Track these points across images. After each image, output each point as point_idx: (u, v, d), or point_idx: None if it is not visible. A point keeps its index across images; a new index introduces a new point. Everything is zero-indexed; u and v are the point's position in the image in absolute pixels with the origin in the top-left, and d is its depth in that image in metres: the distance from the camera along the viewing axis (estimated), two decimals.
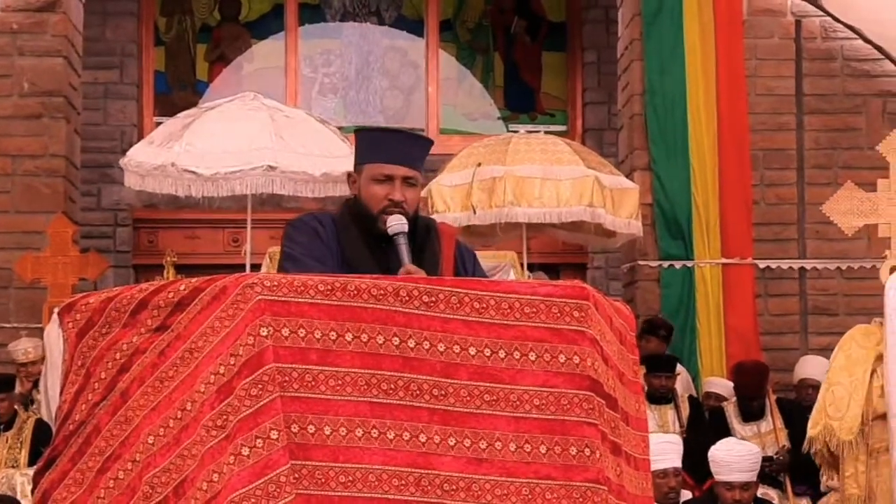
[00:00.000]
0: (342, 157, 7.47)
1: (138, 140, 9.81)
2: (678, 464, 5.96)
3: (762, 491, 6.21)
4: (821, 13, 8.79)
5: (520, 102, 11.59)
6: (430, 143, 3.48)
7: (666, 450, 5.79)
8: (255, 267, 7.90)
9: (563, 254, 9.56)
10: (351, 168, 3.50)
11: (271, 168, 7.19)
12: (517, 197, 7.13)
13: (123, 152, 8.06)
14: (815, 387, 7.45)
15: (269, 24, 11.46)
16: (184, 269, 8.49)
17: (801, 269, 8.62)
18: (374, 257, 3.30)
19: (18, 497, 6.42)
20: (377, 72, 11.55)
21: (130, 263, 10.93)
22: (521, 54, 11.62)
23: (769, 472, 6.76)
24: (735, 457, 5.71)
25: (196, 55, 11.40)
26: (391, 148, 3.33)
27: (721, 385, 7.90)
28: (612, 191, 7.44)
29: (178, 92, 11.29)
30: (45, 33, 8.61)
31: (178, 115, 7.84)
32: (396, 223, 3.27)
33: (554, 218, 7.32)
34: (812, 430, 5.47)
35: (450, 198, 7.22)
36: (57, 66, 8.63)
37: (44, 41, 8.60)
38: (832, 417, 5.39)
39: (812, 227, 8.62)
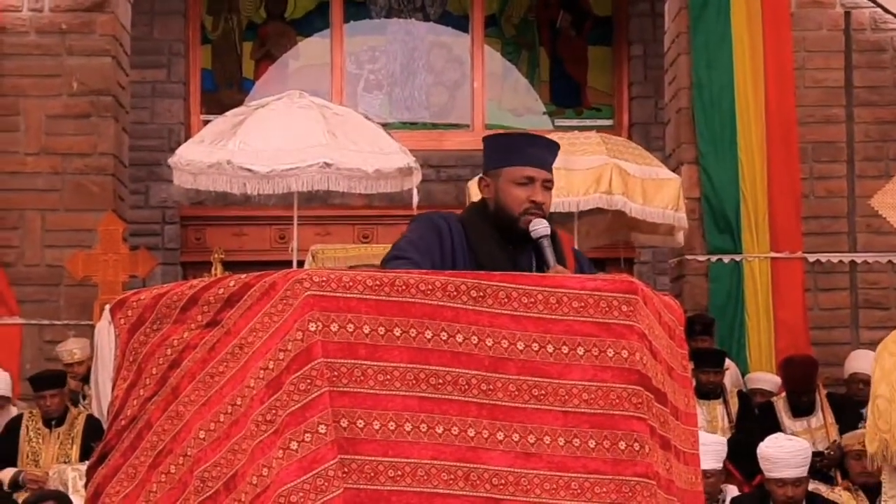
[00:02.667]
0: (392, 153, 7.50)
1: (186, 138, 9.90)
2: (718, 465, 5.90)
3: (813, 486, 6.15)
4: (870, 4, 8.70)
5: (566, 97, 11.55)
6: (559, 147, 3.56)
7: (705, 451, 5.73)
8: (302, 264, 7.95)
9: (610, 248, 9.51)
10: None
11: (326, 165, 7.22)
12: None
13: (171, 150, 8.12)
14: (866, 381, 7.38)
15: (314, 22, 11.50)
16: (231, 266, 8.54)
17: (852, 262, 8.54)
18: (507, 259, 3.34)
19: (70, 492, 6.49)
20: (422, 68, 11.56)
21: (178, 261, 11.01)
22: (566, 49, 11.58)
23: (820, 468, 6.71)
24: (785, 453, 5.65)
25: (242, 53, 11.47)
26: (531, 152, 3.42)
27: (766, 380, 7.84)
28: (644, 181, 7.39)
29: (225, 90, 11.36)
30: (93, 33, 8.69)
31: (227, 113, 7.88)
32: (541, 227, 3.34)
33: (572, 207, 7.30)
34: (870, 446, 5.40)
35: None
36: (105, 65, 8.71)
37: (92, 41, 8.68)
38: (883, 430, 5.32)
39: (863, 220, 8.54)
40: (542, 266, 3.33)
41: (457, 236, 3.35)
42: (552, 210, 3.53)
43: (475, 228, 3.39)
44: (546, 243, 3.33)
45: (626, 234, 8.33)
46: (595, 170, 7.24)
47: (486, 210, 3.44)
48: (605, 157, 7.31)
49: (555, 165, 3.51)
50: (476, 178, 7.37)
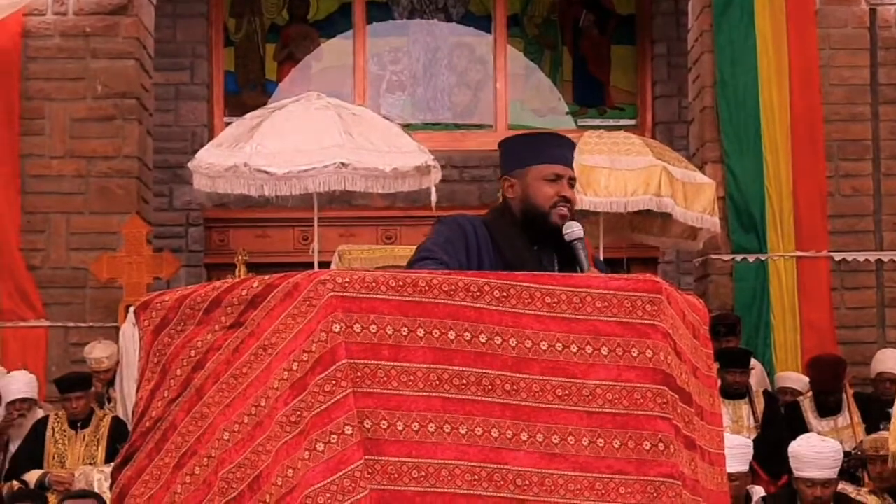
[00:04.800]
0: (410, 152, 7.50)
1: (209, 140, 9.92)
2: (744, 468, 5.86)
3: (840, 487, 6.11)
4: None
5: (589, 97, 11.52)
6: (575, 146, 3.62)
7: (731, 454, 5.70)
8: (324, 265, 7.95)
9: (633, 248, 9.48)
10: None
11: (343, 165, 7.23)
12: (584, 186, 7.09)
13: (194, 153, 8.14)
14: (893, 380, 7.36)
15: (336, 23, 11.52)
16: (255, 268, 8.56)
17: (878, 261, 8.49)
18: (533, 258, 3.36)
19: None
20: (445, 68, 11.56)
21: (202, 262, 11.05)
22: (589, 48, 11.56)
23: (847, 468, 6.66)
24: (817, 453, 5.61)
25: (265, 55, 11.49)
26: (556, 151, 3.47)
27: (795, 380, 7.81)
28: (685, 184, 7.38)
29: (248, 92, 11.39)
30: (117, 36, 8.72)
31: (244, 116, 7.91)
32: (575, 229, 3.37)
33: (620, 207, 7.28)
34: (893, 445, 5.36)
35: None
36: (129, 68, 8.74)
37: (116, 44, 8.72)
38: None
39: (889, 218, 8.49)
40: (575, 268, 3.33)
41: (482, 238, 3.36)
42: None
43: (500, 229, 3.40)
44: (580, 246, 3.35)
45: (627, 235, 8.25)
46: (643, 171, 7.22)
47: (509, 210, 3.45)
48: (653, 159, 7.29)
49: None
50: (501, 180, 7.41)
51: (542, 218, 3.39)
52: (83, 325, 8.51)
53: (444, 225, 3.40)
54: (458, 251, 3.29)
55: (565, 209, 3.39)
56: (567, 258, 3.40)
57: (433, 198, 7.50)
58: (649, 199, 7.26)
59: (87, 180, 8.66)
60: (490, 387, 2.81)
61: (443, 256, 3.24)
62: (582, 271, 3.29)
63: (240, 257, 8.54)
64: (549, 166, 3.42)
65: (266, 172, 7.28)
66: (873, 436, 6.61)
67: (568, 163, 3.46)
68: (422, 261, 3.26)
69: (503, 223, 3.42)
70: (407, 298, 2.81)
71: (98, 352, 7.84)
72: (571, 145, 3.54)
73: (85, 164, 8.67)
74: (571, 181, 3.46)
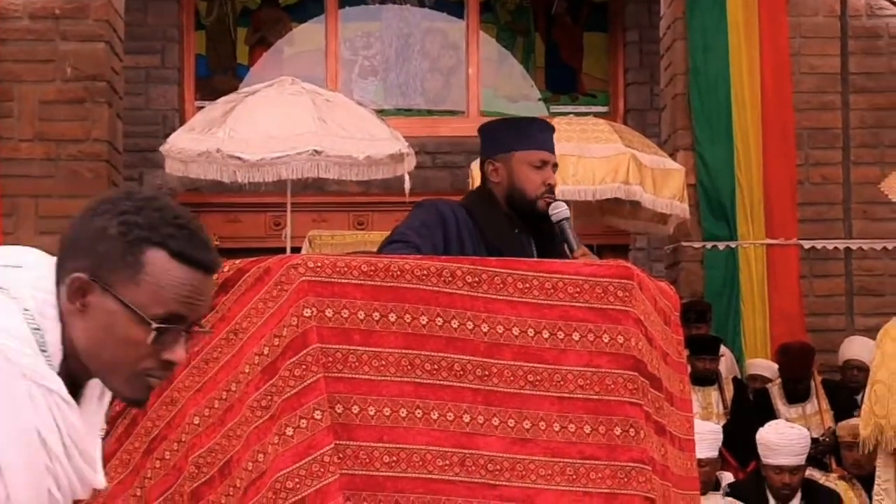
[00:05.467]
0: (383, 139, 7.48)
1: (180, 124, 9.86)
2: (713, 454, 5.89)
3: (807, 473, 6.15)
4: None
5: (561, 83, 11.53)
6: (555, 131, 3.64)
7: (700, 440, 5.73)
8: (296, 250, 7.93)
9: (604, 235, 9.50)
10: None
11: (316, 152, 7.20)
12: None
13: (165, 137, 8.09)
14: (861, 368, 7.40)
15: (308, 7, 11.47)
16: (226, 253, 8.48)
17: (847, 249, 8.53)
18: (517, 241, 3.38)
19: None
20: (417, 54, 11.53)
21: None
22: (562, 35, 11.56)
23: (814, 455, 6.71)
24: (786, 440, 5.64)
25: (237, 39, 11.43)
26: (540, 136, 3.50)
27: (765, 367, 7.85)
28: (654, 171, 7.38)
29: (220, 76, 11.33)
30: (86, 18, 8.65)
31: (218, 101, 7.86)
32: (562, 209, 3.41)
33: (589, 195, 7.28)
34: (864, 430, 5.39)
35: None
36: (99, 50, 8.67)
37: (86, 26, 8.64)
38: (879, 416, 5.31)
39: (858, 206, 8.54)
40: (553, 251, 3.35)
41: (462, 222, 3.36)
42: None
43: (482, 213, 3.40)
44: (567, 226, 3.38)
45: (597, 219, 8.26)
46: (611, 158, 7.21)
47: (491, 194, 3.45)
48: (621, 146, 7.28)
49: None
50: (475, 163, 7.40)
51: (529, 205, 3.42)
52: None
53: (421, 209, 3.40)
54: (433, 236, 3.28)
55: (551, 197, 3.42)
56: (545, 241, 3.41)
57: (407, 186, 7.49)
58: (617, 188, 7.26)
59: (57, 163, 8.59)
60: (462, 372, 2.81)
61: (415, 240, 3.23)
62: (571, 250, 3.31)
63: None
64: (536, 152, 3.45)
65: (239, 159, 7.24)
66: (850, 422, 6.66)
67: (552, 149, 3.50)
68: (393, 244, 3.25)
69: (485, 207, 3.43)
70: (379, 283, 2.81)
71: None
72: (553, 130, 3.58)
73: (54, 147, 8.60)
74: (555, 167, 3.49)
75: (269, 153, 7.21)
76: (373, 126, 7.59)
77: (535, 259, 3.15)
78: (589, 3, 11.57)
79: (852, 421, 6.58)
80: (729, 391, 7.29)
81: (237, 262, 2.93)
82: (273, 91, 7.63)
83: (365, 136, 7.43)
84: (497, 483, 2.78)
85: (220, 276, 2.91)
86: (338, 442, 2.71)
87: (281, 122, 7.34)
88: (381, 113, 8.38)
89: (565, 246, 3.36)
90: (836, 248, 8.51)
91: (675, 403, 3.17)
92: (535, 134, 3.50)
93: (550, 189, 3.43)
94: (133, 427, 3.00)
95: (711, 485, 5.88)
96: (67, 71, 8.60)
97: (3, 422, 1.70)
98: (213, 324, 2.89)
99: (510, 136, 3.51)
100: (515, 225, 3.42)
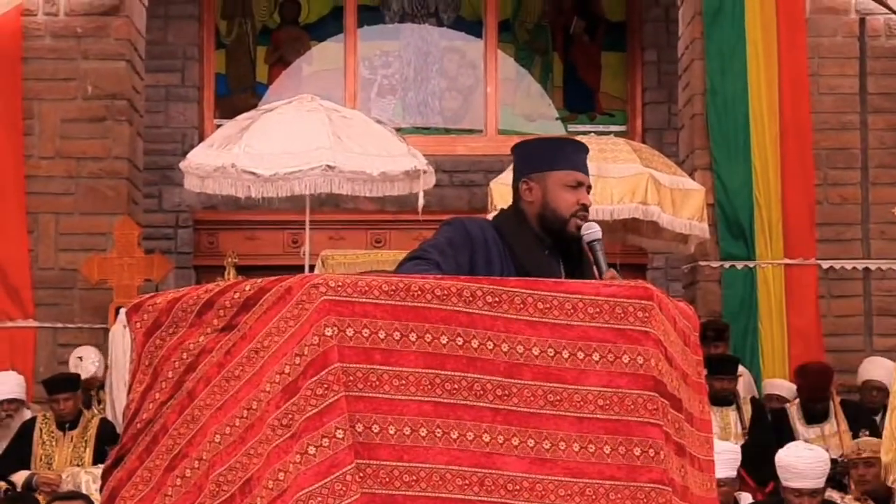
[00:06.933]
0: (399, 156, 7.50)
1: (199, 142, 9.91)
2: (732, 473, 5.87)
3: (826, 494, 6.13)
4: (885, 11, 8.68)
5: (579, 103, 11.55)
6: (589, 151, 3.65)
7: (718, 460, 5.70)
8: (313, 269, 7.95)
9: (622, 254, 9.50)
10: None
11: (329, 168, 7.22)
12: None
13: (184, 154, 8.14)
14: (880, 388, 7.38)
15: (327, 27, 11.52)
16: (244, 270, 8.55)
17: (866, 269, 8.52)
18: (547, 262, 3.38)
19: None
20: (436, 73, 11.57)
21: (191, 264, 11.03)
22: (580, 54, 11.58)
23: (833, 475, 6.68)
24: (805, 464, 5.60)
25: (256, 58, 11.49)
26: (576, 157, 3.50)
27: (782, 387, 7.83)
28: (673, 191, 7.38)
29: (239, 94, 11.38)
30: (108, 37, 8.71)
31: (237, 117, 7.91)
32: (594, 230, 3.40)
33: (606, 215, 7.28)
34: (885, 457, 5.36)
35: (508, 195, 7.20)
36: (120, 69, 8.73)
37: (107, 45, 8.71)
38: None
39: (876, 226, 8.52)
40: (580, 273, 3.34)
41: (492, 241, 3.35)
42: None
43: (512, 233, 3.39)
44: (598, 247, 3.37)
45: (619, 238, 8.26)
46: (630, 178, 7.21)
47: (522, 214, 3.45)
48: (640, 167, 7.28)
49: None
50: (494, 181, 7.41)
51: (561, 224, 3.40)
52: (72, 326, 8.48)
53: (448, 227, 3.39)
54: (458, 254, 3.27)
55: (584, 217, 3.41)
56: (573, 263, 3.41)
57: (420, 203, 7.50)
58: (635, 208, 7.26)
59: (77, 181, 8.64)
60: (482, 391, 2.82)
61: (436, 258, 3.22)
62: (600, 272, 3.30)
63: (229, 259, 8.53)
64: (571, 173, 3.45)
65: (253, 174, 7.27)
66: (856, 440, 6.65)
67: (587, 170, 3.50)
68: (412, 260, 3.26)
69: (516, 227, 3.42)
70: (399, 303, 2.82)
71: (87, 363, 7.75)
72: (587, 151, 3.57)
73: (75, 164, 8.65)
74: (589, 188, 3.49)
75: (283, 168, 7.25)
76: (389, 143, 7.61)
77: (555, 280, 3.15)
78: (607, 22, 11.59)
79: (860, 439, 6.56)
80: (747, 411, 7.27)
81: (258, 280, 2.95)
82: (291, 108, 7.67)
83: (381, 152, 7.46)
84: (517, 503, 2.79)
85: (242, 295, 2.92)
86: (359, 461, 2.72)
87: (296, 137, 7.37)
88: (399, 132, 8.40)
89: (594, 268, 3.35)
90: (854, 268, 8.50)
91: (695, 424, 3.17)
92: (571, 155, 3.49)
93: (584, 208, 3.42)
94: (154, 445, 3.01)
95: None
96: (88, 89, 8.67)
97: None
98: (235, 342, 2.91)
99: (547, 155, 3.49)
100: (546, 246, 3.42)
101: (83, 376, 7.61)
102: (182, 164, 7.70)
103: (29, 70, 8.65)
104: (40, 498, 6.68)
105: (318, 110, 7.58)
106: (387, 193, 7.60)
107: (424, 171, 7.55)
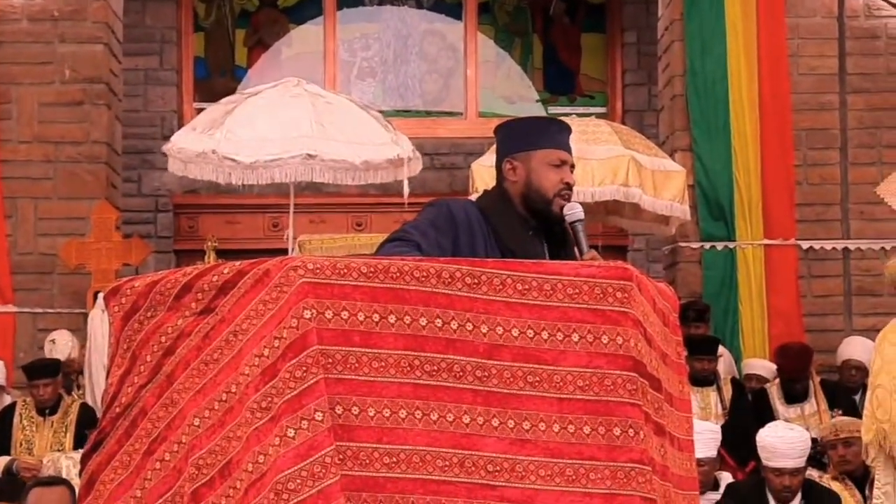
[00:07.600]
0: (382, 144, 7.46)
1: (178, 126, 9.88)
2: (712, 453, 5.89)
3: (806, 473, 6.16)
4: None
5: (559, 84, 11.54)
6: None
7: (699, 440, 5.72)
8: (293, 252, 7.93)
9: (603, 235, 9.51)
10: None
11: (310, 156, 7.19)
12: None
13: (164, 138, 8.11)
14: (859, 368, 7.42)
15: (307, 9, 11.47)
16: (224, 254, 8.52)
17: (845, 249, 8.55)
18: (531, 243, 3.38)
19: None
20: (415, 55, 11.54)
21: (171, 249, 11.00)
22: (560, 36, 11.57)
23: (813, 454, 6.72)
24: (786, 443, 5.63)
25: (235, 41, 11.44)
26: (559, 136, 3.50)
27: (762, 367, 7.86)
28: (654, 172, 7.38)
29: (218, 78, 11.33)
30: (85, 20, 8.66)
31: (221, 100, 7.85)
32: (577, 210, 3.39)
33: (587, 197, 7.27)
34: (866, 436, 5.37)
35: (489, 177, 7.20)
36: (97, 52, 8.68)
37: (84, 28, 8.65)
38: (882, 420, 5.29)
39: (856, 207, 8.56)
40: (563, 253, 3.34)
41: (476, 221, 3.34)
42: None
43: (497, 214, 3.39)
44: (580, 227, 3.37)
45: (601, 219, 8.26)
46: (611, 160, 7.21)
47: (506, 195, 3.44)
48: (621, 148, 7.28)
49: None
50: (475, 163, 7.40)
51: (545, 203, 3.40)
52: (51, 311, 8.46)
53: (431, 208, 3.38)
54: (441, 235, 3.26)
55: (568, 196, 3.41)
56: (556, 244, 3.41)
57: (405, 190, 7.49)
58: (616, 190, 7.26)
59: (55, 165, 8.60)
60: (461, 373, 2.82)
61: (417, 238, 3.22)
62: (581, 252, 3.30)
63: (209, 243, 8.51)
64: (555, 151, 3.45)
65: (233, 160, 7.24)
66: (832, 420, 6.68)
67: (570, 149, 3.50)
68: (393, 241, 3.25)
69: (500, 207, 3.41)
70: (378, 285, 2.81)
71: (61, 345, 7.72)
72: (570, 131, 3.57)
73: (53, 148, 8.61)
74: (572, 167, 3.49)
75: (264, 156, 7.21)
76: (373, 130, 7.56)
77: (534, 261, 3.15)
78: (586, 4, 11.58)
79: (836, 419, 6.59)
80: (727, 392, 7.30)
81: (236, 263, 2.94)
82: (275, 92, 7.61)
83: (364, 140, 7.41)
84: (497, 484, 2.79)
85: (220, 278, 2.91)
86: (338, 443, 2.71)
87: (277, 124, 7.33)
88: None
89: (575, 248, 3.35)
90: (834, 248, 8.53)
91: (675, 404, 3.17)
92: (555, 134, 3.49)
93: (568, 187, 3.43)
94: (133, 429, 3.00)
95: (710, 485, 5.89)
96: (66, 73, 8.62)
97: None
98: (213, 325, 2.89)
99: (530, 135, 3.49)
100: (529, 226, 3.42)
101: (60, 359, 7.59)
102: (165, 148, 7.66)
103: (5, 54, 8.59)
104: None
105: (302, 95, 7.53)
106: (370, 181, 7.58)
107: (410, 158, 7.51)
